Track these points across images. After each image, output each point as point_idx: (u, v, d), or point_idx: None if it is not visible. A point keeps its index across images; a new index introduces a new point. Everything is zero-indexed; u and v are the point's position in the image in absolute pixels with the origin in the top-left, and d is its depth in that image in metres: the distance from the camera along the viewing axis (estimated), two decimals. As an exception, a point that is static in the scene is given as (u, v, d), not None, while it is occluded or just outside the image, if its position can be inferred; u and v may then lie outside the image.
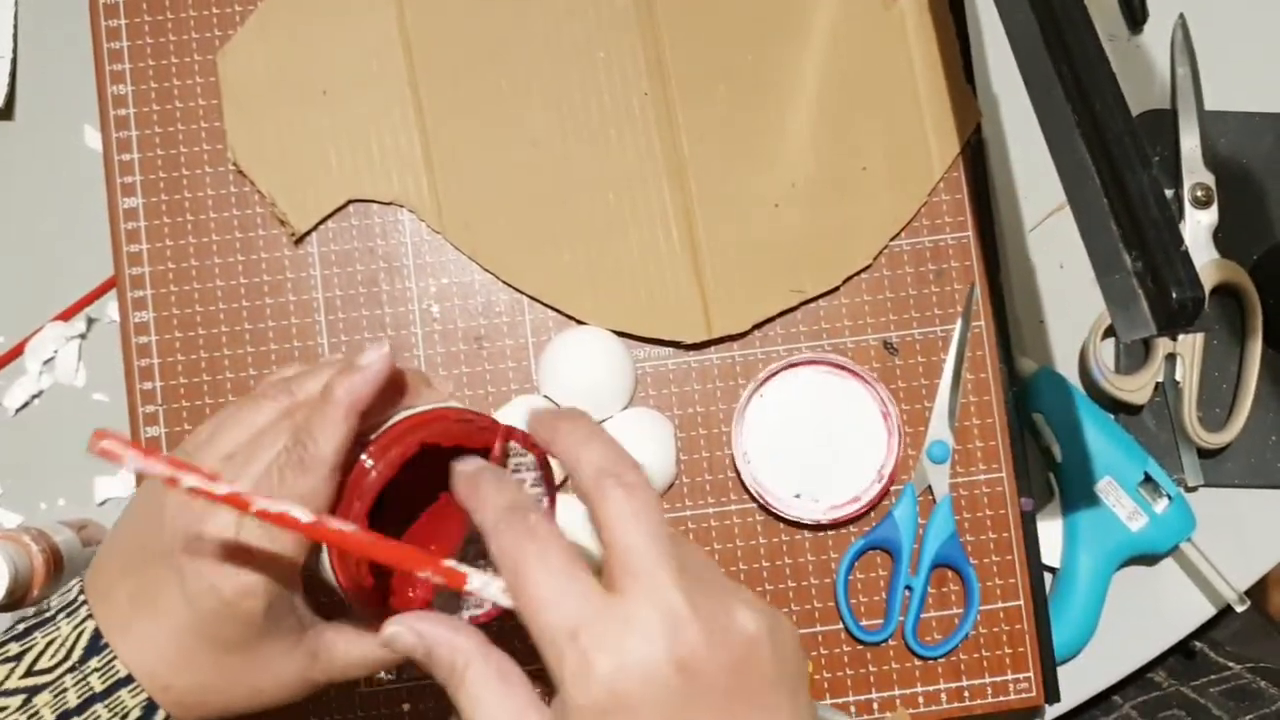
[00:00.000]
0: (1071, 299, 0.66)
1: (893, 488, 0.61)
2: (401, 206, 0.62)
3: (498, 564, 0.37)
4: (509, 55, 0.62)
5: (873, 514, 0.61)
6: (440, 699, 0.59)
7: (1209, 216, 0.66)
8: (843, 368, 0.61)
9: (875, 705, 0.61)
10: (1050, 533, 0.63)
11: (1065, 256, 0.66)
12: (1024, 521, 0.62)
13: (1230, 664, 0.65)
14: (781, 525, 0.61)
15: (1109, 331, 0.65)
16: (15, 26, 0.65)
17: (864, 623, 0.61)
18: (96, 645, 0.41)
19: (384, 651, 0.41)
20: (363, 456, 0.41)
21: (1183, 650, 0.67)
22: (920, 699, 0.61)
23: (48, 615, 0.42)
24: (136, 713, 0.41)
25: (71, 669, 0.41)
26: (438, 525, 0.44)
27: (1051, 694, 0.61)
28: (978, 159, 0.63)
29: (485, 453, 0.41)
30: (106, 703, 0.41)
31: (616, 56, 0.62)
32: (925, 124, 0.63)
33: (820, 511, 0.60)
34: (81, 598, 0.42)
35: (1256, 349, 0.65)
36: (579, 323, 0.61)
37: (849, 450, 0.61)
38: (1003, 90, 0.66)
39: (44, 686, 0.41)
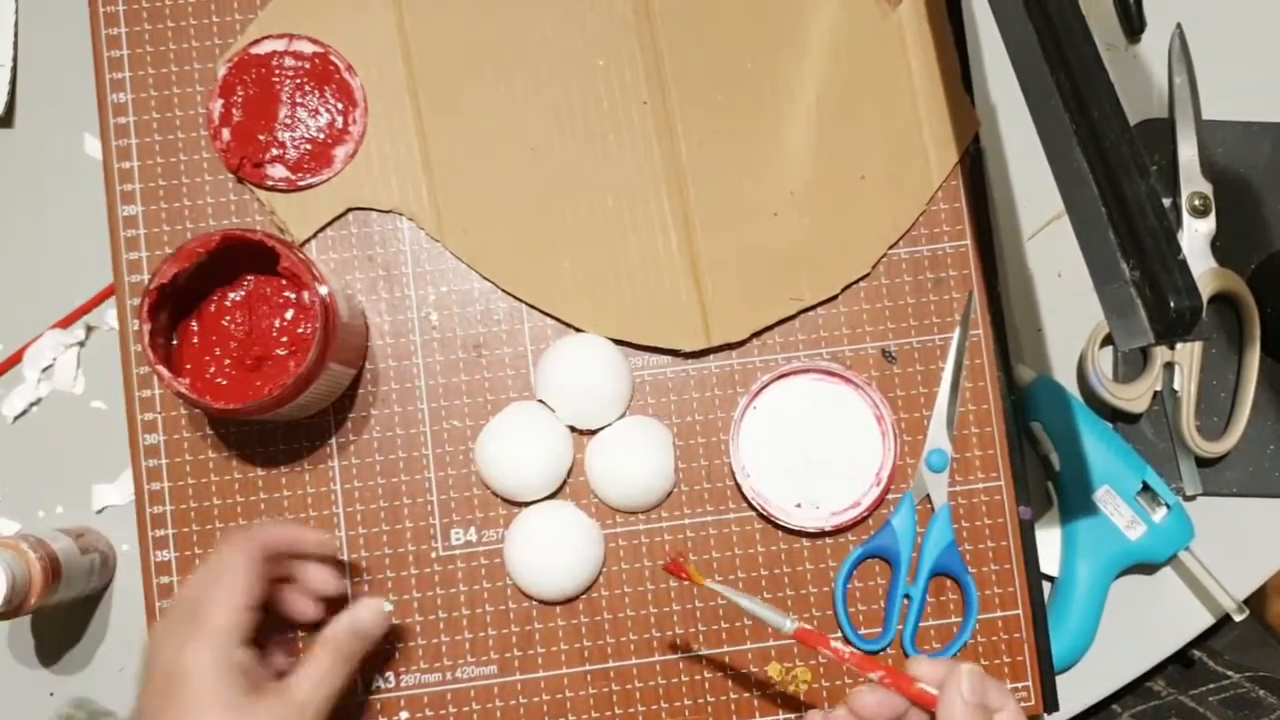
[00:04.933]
0: (1069, 307, 0.66)
1: (890, 496, 0.61)
2: (401, 214, 0.62)
3: None
4: (508, 62, 0.62)
5: (871, 522, 0.61)
6: (438, 708, 0.59)
7: (1207, 225, 0.66)
8: (832, 374, 0.61)
9: (874, 714, 0.61)
10: (1049, 541, 0.63)
11: (1063, 265, 0.67)
12: (1022, 530, 0.62)
13: (1229, 673, 0.65)
14: (780, 534, 0.61)
15: (1107, 340, 0.65)
16: (16, 34, 0.65)
17: (862, 631, 0.61)
18: None
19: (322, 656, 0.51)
20: None
21: (1181, 659, 0.67)
22: (919, 708, 0.61)
23: None
24: None
25: None
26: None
27: (1050, 703, 0.61)
28: (976, 168, 0.63)
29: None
30: None
31: (616, 64, 0.62)
32: (924, 133, 0.63)
33: (822, 519, 0.60)
34: None
35: (1255, 357, 0.65)
36: (578, 330, 0.61)
37: (846, 455, 0.61)
38: (1001, 99, 0.66)
39: None
